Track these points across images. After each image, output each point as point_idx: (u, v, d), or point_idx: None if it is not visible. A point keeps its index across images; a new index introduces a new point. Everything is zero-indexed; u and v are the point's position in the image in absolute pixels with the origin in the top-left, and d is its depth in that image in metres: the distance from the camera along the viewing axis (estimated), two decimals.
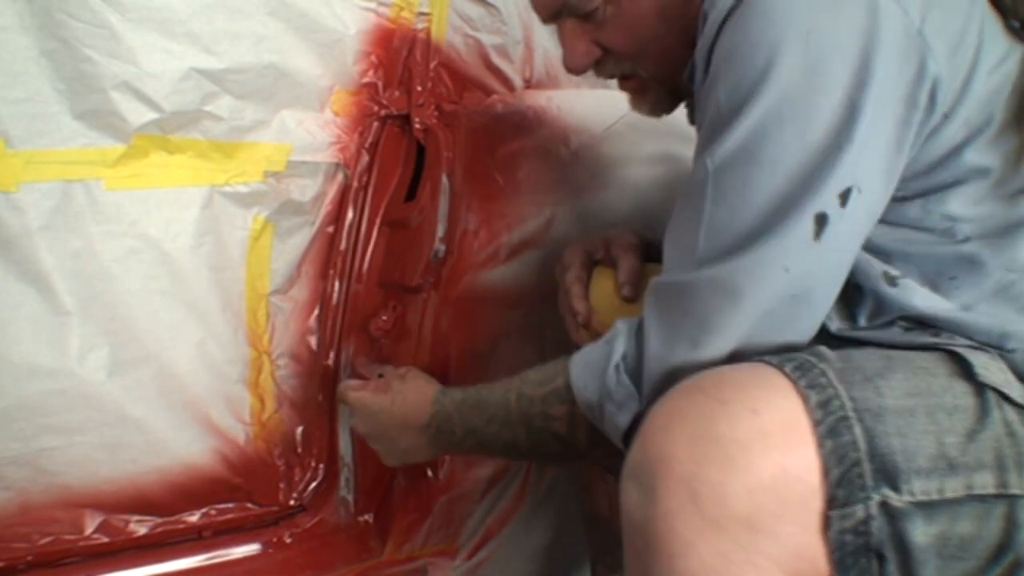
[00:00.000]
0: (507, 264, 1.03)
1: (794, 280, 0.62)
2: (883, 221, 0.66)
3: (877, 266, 0.66)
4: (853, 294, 0.68)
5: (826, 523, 0.55)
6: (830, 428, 0.55)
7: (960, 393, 0.59)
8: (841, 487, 0.55)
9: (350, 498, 1.08)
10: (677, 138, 1.09)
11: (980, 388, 0.59)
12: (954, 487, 0.56)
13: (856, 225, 0.63)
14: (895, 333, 0.66)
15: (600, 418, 0.71)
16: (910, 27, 0.60)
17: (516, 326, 1.06)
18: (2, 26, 0.76)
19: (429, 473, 1.04)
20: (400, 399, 0.90)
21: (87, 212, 0.84)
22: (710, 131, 0.65)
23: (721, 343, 0.63)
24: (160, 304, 0.90)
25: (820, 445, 0.55)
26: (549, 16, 0.79)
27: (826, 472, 0.54)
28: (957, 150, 0.64)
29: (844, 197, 0.61)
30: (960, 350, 0.61)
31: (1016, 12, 0.65)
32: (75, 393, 0.86)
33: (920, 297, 0.65)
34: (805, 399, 0.56)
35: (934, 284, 0.66)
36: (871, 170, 0.62)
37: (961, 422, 0.57)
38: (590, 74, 0.82)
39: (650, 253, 0.93)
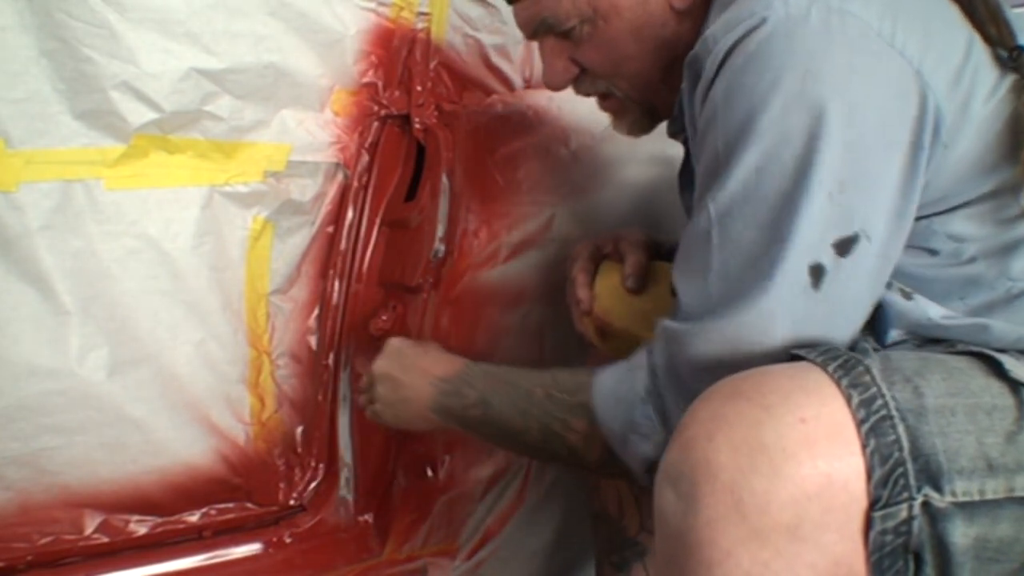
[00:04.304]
0: (507, 264, 1.03)
1: (799, 329, 0.62)
2: None
3: (891, 283, 0.67)
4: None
5: (868, 524, 0.54)
6: (873, 427, 0.55)
7: (997, 393, 0.58)
8: (884, 487, 0.54)
9: (350, 498, 1.08)
10: None
11: (1015, 387, 0.58)
12: (994, 488, 0.55)
13: (865, 271, 0.63)
14: (907, 349, 0.66)
15: (623, 447, 0.71)
16: (907, 69, 0.61)
17: (516, 326, 1.06)
18: (2, 26, 0.76)
19: (429, 473, 1.04)
20: (435, 353, 0.90)
21: (87, 212, 0.84)
22: (710, 172, 0.65)
23: None
24: (160, 304, 0.90)
25: (864, 445, 0.54)
26: (530, 33, 0.81)
27: (870, 473, 0.54)
28: (958, 179, 0.65)
29: (843, 247, 0.61)
30: (987, 352, 0.61)
31: (1002, 42, 0.66)
32: (75, 393, 0.86)
33: (934, 310, 0.66)
34: (848, 399, 0.55)
35: (943, 303, 0.66)
36: (879, 215, 0.62)
37: (1000, 422, 0.57)
38: None
39: (659, 252, 0.93)
